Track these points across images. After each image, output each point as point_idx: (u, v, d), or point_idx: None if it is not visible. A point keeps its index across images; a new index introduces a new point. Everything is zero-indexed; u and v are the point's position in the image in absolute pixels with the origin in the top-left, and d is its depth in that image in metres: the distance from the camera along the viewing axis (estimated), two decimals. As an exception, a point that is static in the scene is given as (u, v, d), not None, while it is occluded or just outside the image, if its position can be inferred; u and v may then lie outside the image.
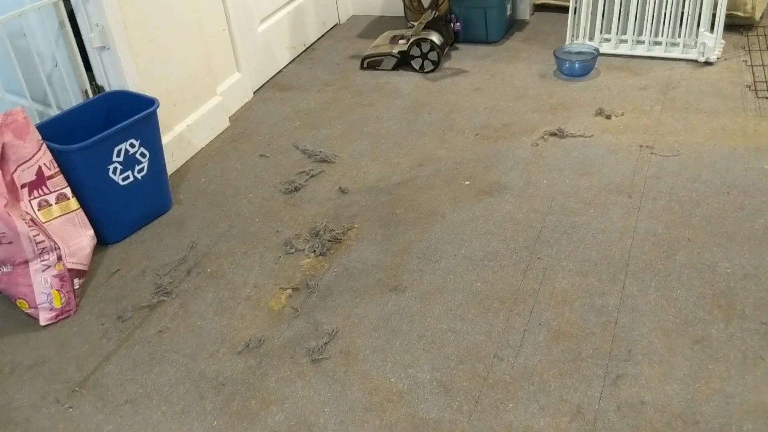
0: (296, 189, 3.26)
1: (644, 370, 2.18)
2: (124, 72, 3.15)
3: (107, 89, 3.23)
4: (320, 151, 3.53)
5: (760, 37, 4.29)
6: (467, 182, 3.21)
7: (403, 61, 4.34)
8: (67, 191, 2.71)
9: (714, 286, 2.47)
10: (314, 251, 2.84)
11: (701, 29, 4.00)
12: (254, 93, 4.24)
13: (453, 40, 4.52)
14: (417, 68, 4.30)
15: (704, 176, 3.06)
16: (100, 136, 2.76)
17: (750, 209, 2.82)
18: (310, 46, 4.86)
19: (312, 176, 3.35)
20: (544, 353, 2.28)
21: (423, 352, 2.33)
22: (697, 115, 3.54)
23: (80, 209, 2.76)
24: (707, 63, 4.05)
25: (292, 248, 2.87)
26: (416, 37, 4.24)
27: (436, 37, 4.24)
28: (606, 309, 2.43)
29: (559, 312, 2.44)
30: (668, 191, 2.99)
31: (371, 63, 4.41)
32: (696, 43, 4.07)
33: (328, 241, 2.89)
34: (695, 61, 4.07)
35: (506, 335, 2.37)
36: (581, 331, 2.35)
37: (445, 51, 4.37)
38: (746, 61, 4.03)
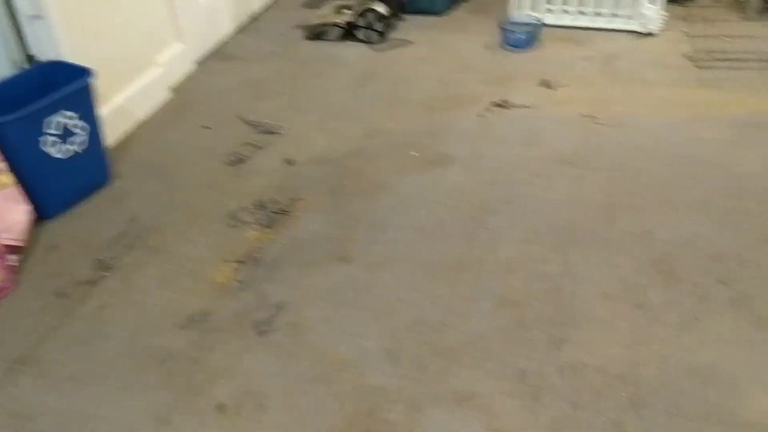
0: (241, 161, 3.20)
1: (586, 335, 2.23)
2: (59, 42, 3.03)
3: (41, 59, 3.10)
4: (265, 123, 3.47)
5: (700, 8, 4.38)
6: (415, 153, 3.20)
7: (349, 32, 4.29)
8: (0, 165, 2.61)
9: (653, 252, 2.54)
10: (260, 223, 2.80)
11: (642, 1, 4.06)
12: (197, 63, 4.14)
13: (399, 10, 4.48)
14: (363, 39, 4.26)
15: (646, 146, 3.12)
16: (30, 107, 2.65)
17: (690, 178, 2.89)
18: (255, 16, 4.76)
19: (257, 148, 3.30)
20: (489, 320, 2.31)
21: (371, 321, 2.33)
22: (639, 85, 3.60)
23: (15, 184, 2.66)
24: (649, 34, 4.11)
25: (237, 221, 2.83)
26: (362, 8, 4.19)
27: (382, 8, 4.20)
28: (550, 276, 2.47)
29: (505, 280, 2.47)
30: (611, 161, 3.04)
31: (317, 33, 4.34)
32: (637, 14, 4.13)
33: (274, 213, 2.86)
34: (637, 32, 4.14)
35: (453, 303, 2.38)
36: (525, 298, 2.38)
37: (391, 22, 4.33)
38: (686, 32, 4.11)
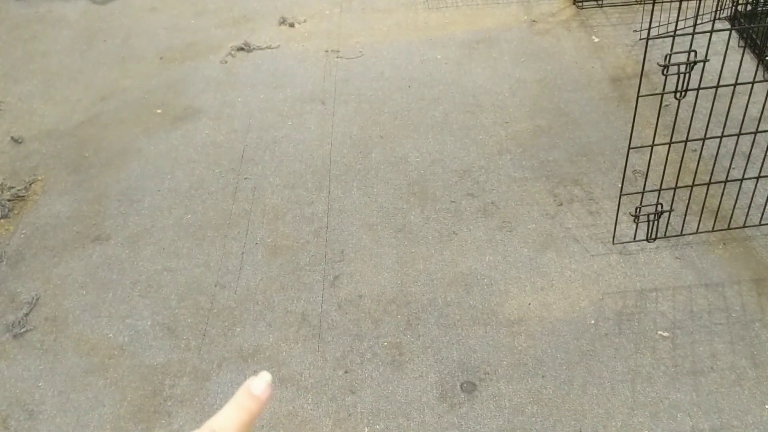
0: (-43, 147, 2.82)
1: (358, 267, 2.31)
2: None
3: None
4: (-20, 99, 3.07)
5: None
6: (159, 111, 3.02)
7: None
8: None
9: (407, 176, 2.66)
10: (-6, 215, 2.51)
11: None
12: None
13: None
14: (81, -9, 3.87)
15: (387, 73, 3.23)
16: None
17: (430, 99, 3.05)
18: (-56, -25, 4.11)
19: (-25, 129, 2.92)
20: (264, 271, 2.30)
21: (140, 298, 2.21)
22: (373, 14, 3.68)
23: None
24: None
25: (-35, 216, 2.50)
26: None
27: (96, -45, 3.83)
28: (316, 216, 2.50)
29: (273, 228, 2.46)
30: (357, 93, 3.10)
31: (25, -10, 3.87)
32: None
33: (9, 200, 2.56)
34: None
35: (225, 262, 2.33)
36: (296, 242, 2.40)
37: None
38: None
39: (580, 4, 3.56)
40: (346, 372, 1.99)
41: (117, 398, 1.93)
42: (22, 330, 2.11)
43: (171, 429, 1.86)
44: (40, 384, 1.97)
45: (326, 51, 3.39)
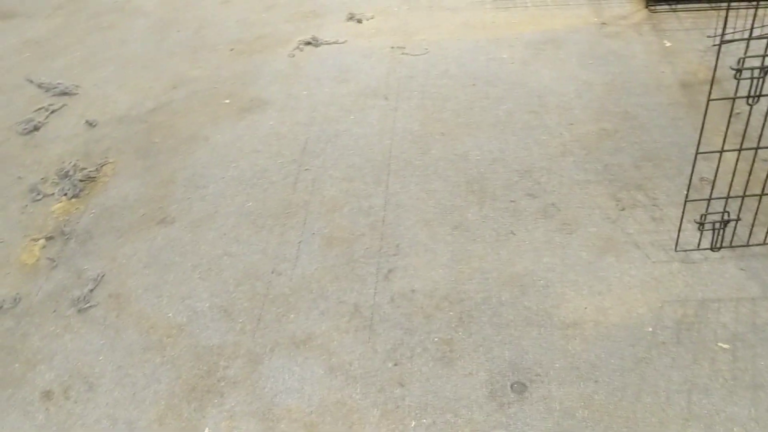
0: (36, 128, 2.94)
1: (412, 261, 2.31)
2: None
3: None
4: (59, 83, 3.20)
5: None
6: (227, 101, 3.10)
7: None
8: None
9: (467, 173, 2.65)
10: (66, 194, 2.61)
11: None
12: (-30, 24, 3.71)
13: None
14: (158, -17, 4.00)
15: (452, 71, 3.22)
16: None
17: (493, 98, 3.03)
18: (32, -35, 4.31)
19: (53, 112, 3.04)
20: (319, 261, 2.33)
21: (199, 281, 2.27)
22: (440, 12, 3.68)
23: None
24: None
25: (39, 194, 2.61)
26: (152, -51, 3.91)
27: (174, -52, 3.95)
28: (373, 209, 2.52)
29: (330, 219, 2.49)
30: (420, 89, 3.11)
31: (106, -19, 4.02)
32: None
33: (81, 180, 2.67)
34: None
35: (282, 250, 2.37)
36: (352, 234, 2.42)
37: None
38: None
39: (653, 7, 3.48)
40: (395, 364, 2.00)
41: (172, 376, 1.98)
42: (87, 305, 2.19)
43: (223, 409, 1.90)
44: (100, 358, 2.04)
45: (392, 47, 3.40)
